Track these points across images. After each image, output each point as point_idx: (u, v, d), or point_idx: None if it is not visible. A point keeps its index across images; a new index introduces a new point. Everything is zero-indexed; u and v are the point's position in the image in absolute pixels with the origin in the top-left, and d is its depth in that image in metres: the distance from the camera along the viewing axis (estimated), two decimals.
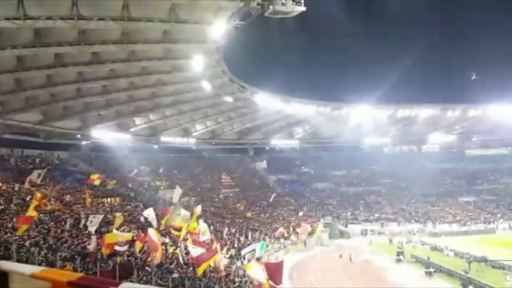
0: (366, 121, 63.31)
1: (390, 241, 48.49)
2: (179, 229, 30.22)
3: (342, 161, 74.60)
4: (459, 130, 72.98)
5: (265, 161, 73.28)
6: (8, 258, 15.55)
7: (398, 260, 38.26)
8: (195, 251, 21.27)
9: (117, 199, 40.62)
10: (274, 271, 19.13)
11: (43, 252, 18.99)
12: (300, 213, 58.19)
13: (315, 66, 73.84)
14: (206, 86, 43.81)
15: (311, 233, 47.70)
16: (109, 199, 39.41)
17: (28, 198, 27.64)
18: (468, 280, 28.95)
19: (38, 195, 25.45)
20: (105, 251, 20.28)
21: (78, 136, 50.06)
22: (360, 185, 70.31)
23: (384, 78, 58.11)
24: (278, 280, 18.79)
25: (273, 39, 45.41)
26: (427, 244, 46.49)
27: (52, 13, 23.71)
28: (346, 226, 58.55)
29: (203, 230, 30.42)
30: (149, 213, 31.29)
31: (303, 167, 75.14)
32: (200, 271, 19.75)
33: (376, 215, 61.46)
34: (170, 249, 27.62)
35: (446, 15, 65.43)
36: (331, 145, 74.68)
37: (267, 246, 38.20)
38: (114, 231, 23.44)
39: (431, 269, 32.99)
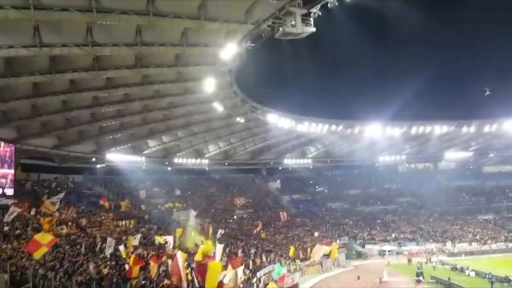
0: (379, 139, 62.82)
1: (409, 261, 47.36)
2: (191, 253, 30.17)
3: (357, 180, 73.88)
4: (475, 147, 71.80)
5: (278, 181, 72.87)
6: (25, 283, 15.56)
7: (418, 281, 37.26)
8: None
9: (132, 222, 40.72)
10: None
11: (58, 277, 18.96)
12: (316, 234, 57.36)
13: (326, 85, 73.68)
14: (218, 107, 44.13)
15: (327, 255, 46.59)
16: (123, 221, 39.52)
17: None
18: None
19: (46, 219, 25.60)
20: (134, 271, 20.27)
21: (93, 159, 50.61)
22: (376, 204, 69.25)
23: (396, 95, 57.54)
24: None
25: (284, 59, 45.70)
26: (447, 264, 45.27)
27: (67, 40, 24.30)
28: (363, 247, 57.48)
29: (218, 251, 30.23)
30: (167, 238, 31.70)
31: (317, 187, 74.47)
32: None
33: (393, 234, 60.25)
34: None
35: (459, 31, 64.96)
36: (345, 164, 74.08)
37: (282, 266, 37.56)
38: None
39: None
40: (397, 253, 54.90)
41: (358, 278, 39.26)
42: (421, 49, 68.83)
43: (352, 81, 70.58)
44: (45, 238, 17.10)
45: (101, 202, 42.27)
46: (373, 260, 52.63)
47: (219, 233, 42.26)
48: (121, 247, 25.81)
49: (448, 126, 60.94)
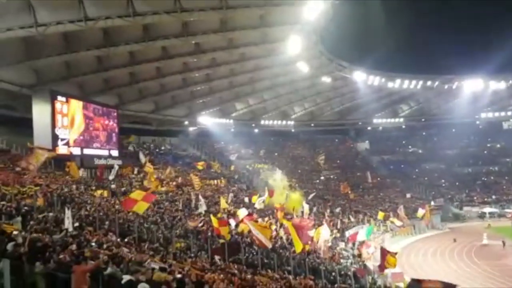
0: (481, 95, 57.49)
1: None
2: (279, 210, 31.06)
3: (455, 139, 68.50)
4: None
5: (367, 141, 70.61)
6: (129, 234, 17.25)
7: None
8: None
9: (223, 181, 42.79)
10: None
11: (160, 230, 20.78)
12: (408, 195, 55.33)
13: (420, 36, 67.92)
14: (303, 67, 43.45)
15: (420, 216, 44.74)
16: (215, 181, 41.70)
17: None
18: None
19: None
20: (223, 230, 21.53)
21: (186, 122, 53.44)
22: (477, 165, 64.18)
23: (500, 45, 51.50)
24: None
25: (373, 12, 43.03)
26: None
27: (157, 8, 25.46)
28: (460, 209, 54.29)
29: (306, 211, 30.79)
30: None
31: (409, 147, 70.97)
32: (297, 249, 19.81)
33: (495, 196, 55.89)
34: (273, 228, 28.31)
35: None
36: (441, 122, 68.81)
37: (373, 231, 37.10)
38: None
39: None
40: (499, 216, 50.96)
41: (454, 240, 37.42)
42: None
43: (449, 32, 64.61)
44: (139, 195, 18.38)
45: (196, 165, 44.57)
46: (471, 222, 49.56)
47: (311, 196, 42.62)
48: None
49: None
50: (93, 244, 11.62)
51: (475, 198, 56.47)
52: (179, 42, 31.48)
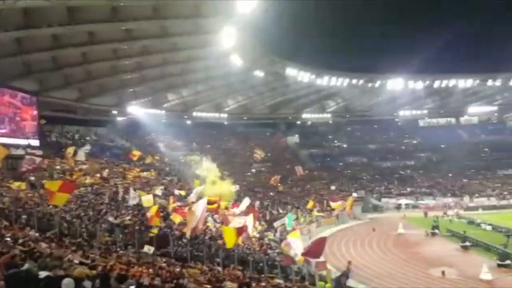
0: (401, 93, 61.60)
1: (425, 215, 47.74)
2: (213, 203, 31.06)
3: (376, 135, 73.37)
4: (500, 101, 69.89)
5: (296, 136, 72.86)
6: (50, 229, 16.42)
7: (433, 234, 37.67)
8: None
9: (153, 173, 41.87)
10: (317, 245, 19.65)
11: (84, 224, 19.95)
12: (332, 187, 57.97)
13: (348, 36, 71.15)
14: (237, 60, 43.68)
15: (343, 208, 47.21)
16: (145, 173, 40.69)
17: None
18: (506, 255, 28.18)
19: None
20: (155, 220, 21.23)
21: (115, 112, 51.34)
22: (395, 159, 69.02)
23: (420, 48, 55.58)
24: (319, 254, 19.23)
25: (305, 9, 44.31)
26: (464, 218, 45.44)
27: None
28: (379, 200, 57.95)
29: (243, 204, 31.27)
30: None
31: (335, 141, 74.35)
32: (229, 244, 19.93)
33: (410, 189, 60.44)
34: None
35: None
36: (364, 119, 73.28)
37: (296, 218, 38.45)
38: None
39: (467, 243, 32.29)
40: (414, 207, 55.24)
41: (374, 230, 39.96)
42: (447, 1, 65.67)
43: (375, 34, 68.31)
44: (54, 185, 16.89)
45: (131, 156, 42.90)
46: (389, 213, 53.17)
47: (234, 187, 43.18)
48: (145, 197, 26.19)
49: (473, 80, 59.21)
50: (8, 239, 10.94)
51: (392, 190, 60.56)
52: (108, 27, 30.19)
